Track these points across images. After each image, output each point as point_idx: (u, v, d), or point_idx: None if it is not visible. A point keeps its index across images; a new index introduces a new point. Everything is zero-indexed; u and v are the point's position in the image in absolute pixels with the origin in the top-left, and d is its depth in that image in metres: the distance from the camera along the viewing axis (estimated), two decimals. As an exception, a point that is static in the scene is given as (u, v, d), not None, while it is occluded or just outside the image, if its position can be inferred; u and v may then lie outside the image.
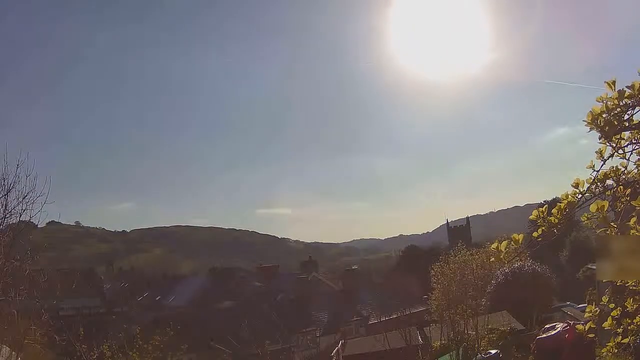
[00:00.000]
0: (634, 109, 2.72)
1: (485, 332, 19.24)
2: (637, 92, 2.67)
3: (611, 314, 3.65)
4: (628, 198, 2.98)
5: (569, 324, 14.12)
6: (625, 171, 2.92)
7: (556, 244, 45.96)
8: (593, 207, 2.95)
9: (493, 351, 16.59)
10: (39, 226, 10.47)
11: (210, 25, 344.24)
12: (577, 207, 2.95)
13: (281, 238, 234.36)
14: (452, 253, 21.32)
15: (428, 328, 22.71)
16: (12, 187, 8.92)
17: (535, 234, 3.05)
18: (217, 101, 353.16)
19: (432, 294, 21.90)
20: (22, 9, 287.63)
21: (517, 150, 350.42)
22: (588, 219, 3.04)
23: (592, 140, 2.87)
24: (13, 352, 8.93)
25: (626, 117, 2.74)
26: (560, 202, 2.98)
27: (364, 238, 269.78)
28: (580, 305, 26.96)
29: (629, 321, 3.70)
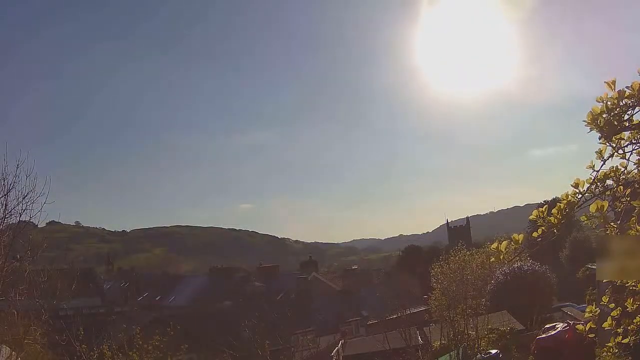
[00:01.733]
0: (633, 109, 2.71)
1: (485, 332, 19.25)
2: (637, 92, 2.67)
3: (611, 314, 3.64)
4: (628, 198, 2.97)
5: (569, 324, 14.12)
6: (625, 171, 2.92)
7: (556, 244, 45.92)
8: (593, 207, 2.94)
9: (493, 351, 16.60)
10: (39, 226, 10.48)
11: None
12: (577, 207, 2.95)
13: (281, 238, 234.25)
14: (452, 253, 21.28)
15: (428, 328, 22.71)
16: (12, 187, 8.92)
17: (535, 234, 3.04)
18: (219, 101, 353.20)
19: (432, 294, 21.86)
20: (22, 8, 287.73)
21: (518, 150, 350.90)
22: (588, 219, 3.03)
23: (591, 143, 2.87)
24: (13, 352, 8.93)
25: (626, 117, 2.74)
26: (560, 202, 2.97)
27: (364, 238, 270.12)
28: (580, 305, 26.96)
29: (629, 321, 3.69)
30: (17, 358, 8.93)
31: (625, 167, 2.90)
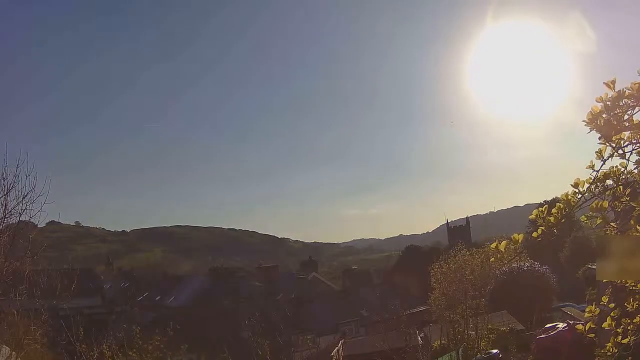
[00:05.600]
0: (633, 109, 2.71)
1: (485, 332, 19.24)
2: (636, 92, 2.67)
3: (611, 314, 3.64)
4: (628, 198, 2.97)
5: (569, 324, 14.10)
6: (625, 171, 2.91)
7: (556, 244, 45.91)
8: (593, 207, 2.94)
9: (493, 351, 16.59)
10: (39, 226, 10.46)
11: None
12: (577, 207, 2.94)
13: (281, 238, 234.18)
14: (452, 253, 21.29)
15: (428, 328, 22.73)
16: (12, 187, 8.92)
17: (535, 234, 3.04)
18: (220, 101, 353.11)
19: (432, 294, 21.87)
20: (23, 9, 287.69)
21: (520, 150, 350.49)
22: (588, 219, 3.03)
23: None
24: (13, 352, 8.93)
25: (626, 117, 2.73)
26: (560, 202, 2.97)
27: (364, 238, 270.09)
28: (580, 305, 26.95)
29: (629, 321, 3.69)
30: (17, 358, 8.92)
31: (625, 167, 2.89)
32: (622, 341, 3.70)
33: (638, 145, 2.82)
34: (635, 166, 2.88)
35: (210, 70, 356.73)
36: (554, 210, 2.96)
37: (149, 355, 10.96)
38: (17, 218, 9.03)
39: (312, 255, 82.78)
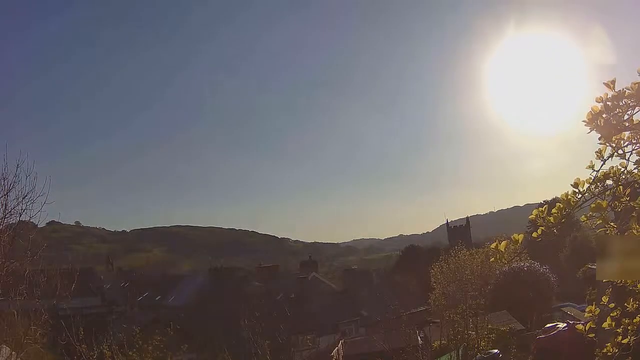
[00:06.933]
0: (633, 109, 2.71)
1: (485, 332, 19.24)
2: (636, 92, 2.66)
3: (611, 314, 3.64)
4: (628, 198, 2.97)
5: (569, 324, 14.10)
6: (625, 171, 2.91)
7: (556, 244, 45.90)
8: (592, 207, 2.94)
9: (493, 351, 16.60)
10: (39, 226, 10.45)
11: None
12: (577, 207, 2.94)
13: (281, 238, 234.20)
14: (452, 253, 21.28)
15: (428, 328, 22.71)
16: (12, 187, 8.91)
17: (535, 234, 3.04)
18: (218, 100, 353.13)
19: (432, 294, 21.87)
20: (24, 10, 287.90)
21: (522, 152, 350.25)
22: (588, 219, 3.03)
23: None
24: (13, 352, 8.93)
25: (626, 117, 2.73)
26: (560, 202, 2.97)
27: (364, 238, 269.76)
28: (580, 305, 26.95)
29: (629, 321, 3.69)
30: (17, 358, 8.93)
31: (625, 167, 2.89)
32: (622, 341, 3.69)
33: (638, 145, 2.82)
34: (635, 166, 2.88)
35: (211, 71, 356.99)
36: (554, 210, 2.96)
37: (149, 355, 10.97)
38: (17, 218, 9.03)
39: (312, 255, 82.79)
